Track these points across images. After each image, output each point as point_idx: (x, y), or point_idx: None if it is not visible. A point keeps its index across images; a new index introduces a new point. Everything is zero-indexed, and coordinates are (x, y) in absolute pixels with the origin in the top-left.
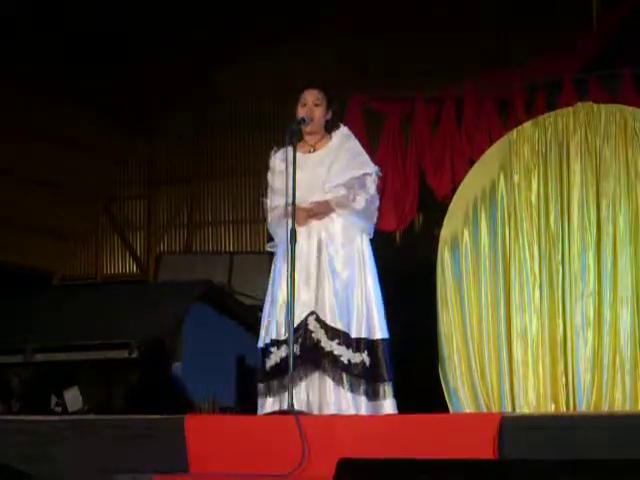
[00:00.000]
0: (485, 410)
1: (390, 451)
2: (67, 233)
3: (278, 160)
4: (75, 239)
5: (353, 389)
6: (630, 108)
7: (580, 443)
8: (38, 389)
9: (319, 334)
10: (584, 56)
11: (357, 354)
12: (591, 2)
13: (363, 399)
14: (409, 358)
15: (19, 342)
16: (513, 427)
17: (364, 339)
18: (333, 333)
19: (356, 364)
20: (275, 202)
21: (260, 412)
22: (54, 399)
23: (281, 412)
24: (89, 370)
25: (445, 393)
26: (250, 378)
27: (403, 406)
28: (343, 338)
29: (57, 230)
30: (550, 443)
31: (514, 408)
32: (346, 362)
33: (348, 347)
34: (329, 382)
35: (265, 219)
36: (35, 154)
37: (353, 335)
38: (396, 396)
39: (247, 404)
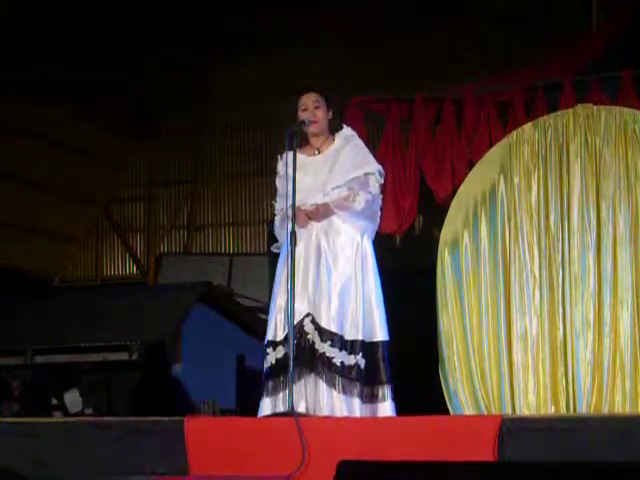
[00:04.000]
0: (485, 412)
1: (390, 453)
2: (67, 235)
3: (282, 164)
4: (75, 241)
5: (346, 391)
6: (630, 110)
7: (580, 445)
8: (38, 391)
9: (314, 336)
10: (584, 58)
11: (351, 356)
12: (591, 4)
13: (357, 401)
14: (409, 360)
15: (19, 344)
16: (513, 429)
17: (360, 341)
18: (326, 335)
19: (350, 366)
20: (279, 205)
21: (259, 413)
22: (54, 401)
23: (281, 414)
24: (89, 372)
25: (445, 395)
26: (250, 380)
27: (403, 408)
28: (336, 340)
29: (57, 232)
30: (550, 445)
31: (514, 410)
32: (339, 364)
33: (341, 349)
34: (322, 384)
35: (266, 221)
36: (35, 157)
37: (348, 337)
38: (396, 398)
39: (247, 406)
